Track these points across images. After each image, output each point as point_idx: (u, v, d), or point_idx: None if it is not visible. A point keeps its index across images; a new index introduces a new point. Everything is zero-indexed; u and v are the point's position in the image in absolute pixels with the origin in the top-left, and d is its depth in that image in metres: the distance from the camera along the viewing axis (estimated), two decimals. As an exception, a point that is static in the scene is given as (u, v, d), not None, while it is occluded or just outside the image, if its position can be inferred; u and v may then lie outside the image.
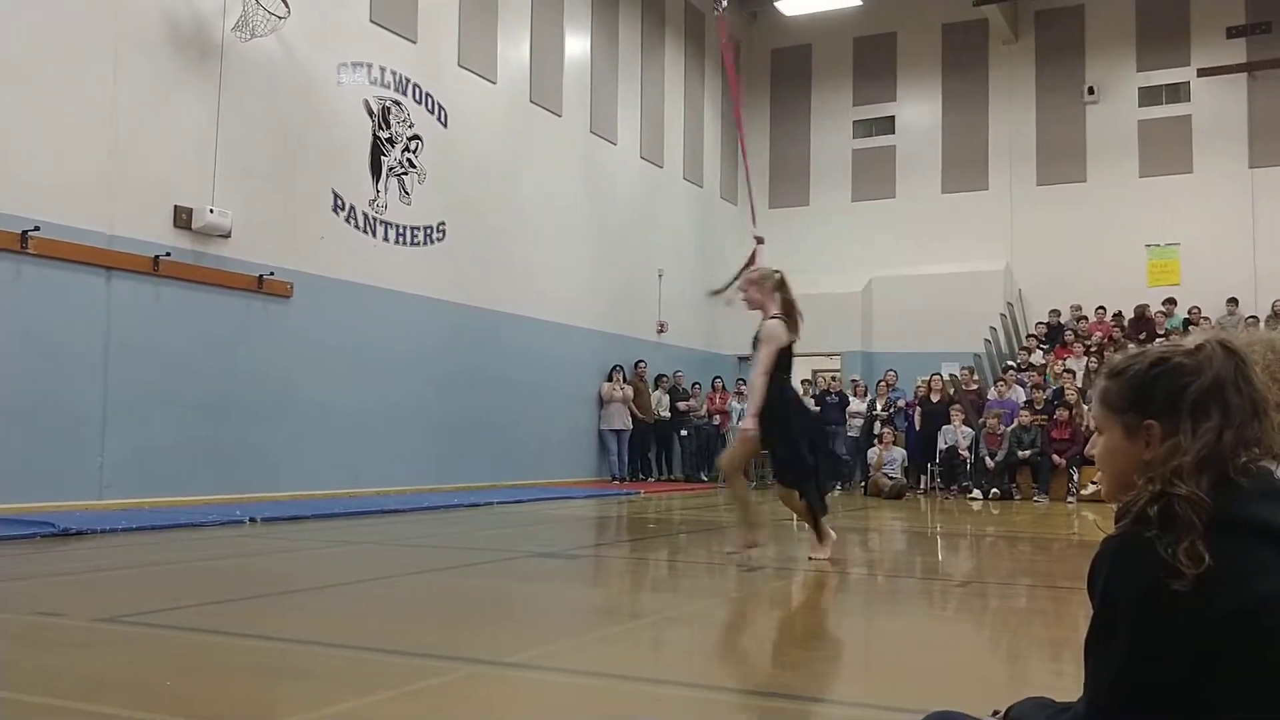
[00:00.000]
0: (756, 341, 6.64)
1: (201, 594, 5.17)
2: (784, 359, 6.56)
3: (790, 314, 6.63)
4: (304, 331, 11.29)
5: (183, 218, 10.08)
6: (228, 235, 10.42)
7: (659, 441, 17.50)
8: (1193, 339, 1.68)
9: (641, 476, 16.75)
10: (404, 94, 12.90)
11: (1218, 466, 1.52)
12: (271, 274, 10.89)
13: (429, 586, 5.72)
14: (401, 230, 12.77)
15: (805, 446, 6.57)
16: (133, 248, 9.61)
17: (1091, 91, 19.09)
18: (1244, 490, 1.51)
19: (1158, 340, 16.36)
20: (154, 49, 9.95)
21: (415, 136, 12.99)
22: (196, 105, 10.29)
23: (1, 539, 6.79)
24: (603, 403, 16.33)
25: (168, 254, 9.83)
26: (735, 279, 8.52)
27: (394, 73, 12.75)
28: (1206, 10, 17.86)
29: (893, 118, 20.68)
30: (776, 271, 6.88)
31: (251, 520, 8.49)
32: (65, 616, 4.35)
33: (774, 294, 6.69)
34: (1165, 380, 1.60)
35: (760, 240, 8.40)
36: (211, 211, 10.18)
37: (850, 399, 16.94)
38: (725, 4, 8.77)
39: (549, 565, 6.76)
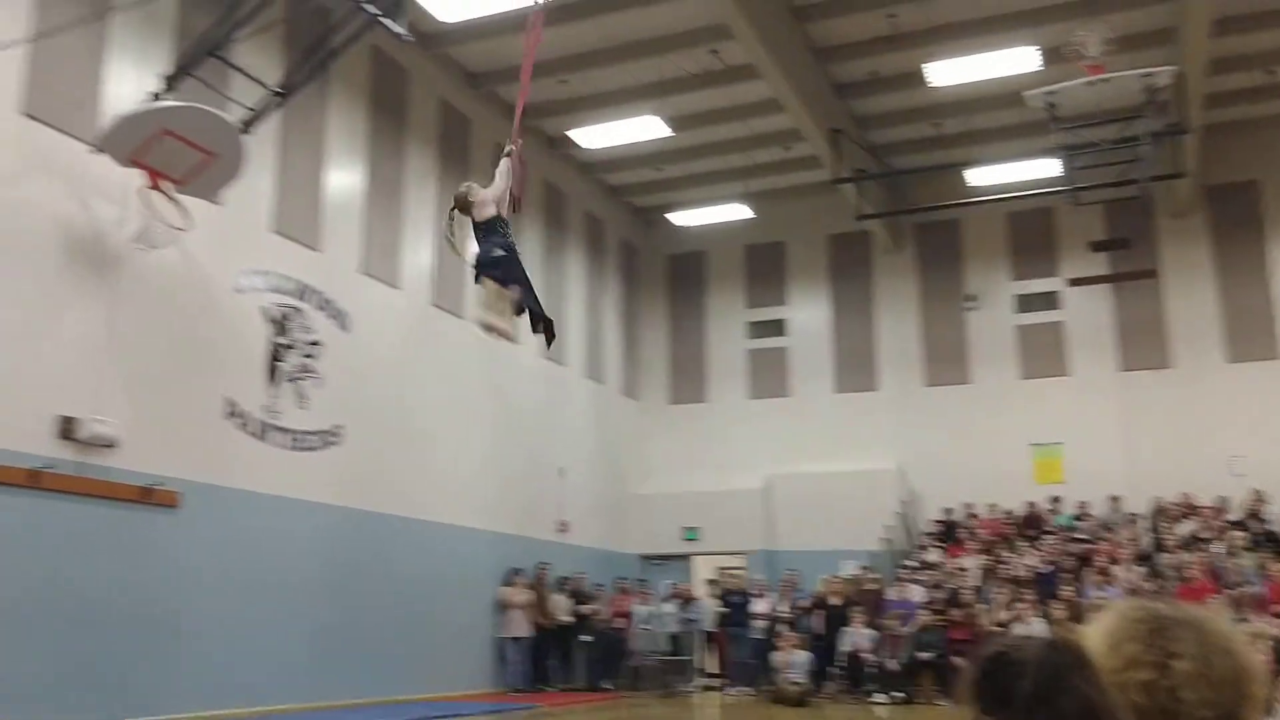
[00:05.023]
0: None
1: None
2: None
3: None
4: (191, 542, 10.87)
5: (66, 428, 9.78)
6: (113, 445, 10.12)
7: (560, 648, 16.97)
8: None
9: (541, 686, 16.16)
10: (304, 300, 12.92)
11: None
12: (161, 483, 10.54)
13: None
14: (298, 435, 12.56)
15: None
16: (9, 460, 9.24)
17: (971, 298, 20.11)
18: None
19: (1046, 537, 16.87)
20: (45, 256, 9.86)
21: (314, 341, 12.95)
22: (86, 312, 10.16)
23: None
24: (502, 608, 15.88)
25: (49, 466, 9.47)
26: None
27: (294, 280, 12.81)
28: (1070, 227, 19.13)
29: (784, 320, 21.41)
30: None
31: (121, 754, 7.92)
32: None
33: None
34: (996, 676, 1.56)
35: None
36: (98, 421, 9.91)
37: (751, 600, 16.74)
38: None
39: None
